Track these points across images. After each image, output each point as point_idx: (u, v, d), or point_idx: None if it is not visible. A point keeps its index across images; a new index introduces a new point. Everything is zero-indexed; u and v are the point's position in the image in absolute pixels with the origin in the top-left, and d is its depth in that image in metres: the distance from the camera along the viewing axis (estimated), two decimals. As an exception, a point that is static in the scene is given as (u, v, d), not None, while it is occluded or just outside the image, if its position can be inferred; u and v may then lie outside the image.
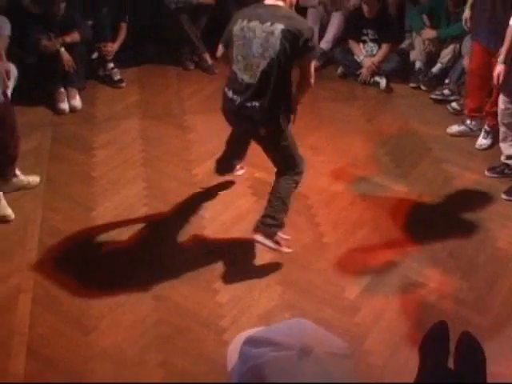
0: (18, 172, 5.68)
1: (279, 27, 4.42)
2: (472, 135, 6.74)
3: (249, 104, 4.62)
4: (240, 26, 4.57)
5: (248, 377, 1.55)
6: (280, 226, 4.85)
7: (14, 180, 5.65)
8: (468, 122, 6.78)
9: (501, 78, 5.64)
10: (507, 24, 5.51)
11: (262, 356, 1.53)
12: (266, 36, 4.46)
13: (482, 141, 6.57)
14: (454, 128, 6.85)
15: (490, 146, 6.54)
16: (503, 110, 5.80)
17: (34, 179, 5.79)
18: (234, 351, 1.70)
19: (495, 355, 3.86)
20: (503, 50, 5.59)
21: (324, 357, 1.52)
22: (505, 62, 5.59)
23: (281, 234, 4.85)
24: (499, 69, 5.64)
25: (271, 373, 1.51)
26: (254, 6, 4.68)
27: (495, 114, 6.28)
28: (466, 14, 6.47)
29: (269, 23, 4.45)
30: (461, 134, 6.81)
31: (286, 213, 4.89)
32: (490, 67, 6.07)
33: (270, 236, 4.81)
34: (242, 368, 1.57)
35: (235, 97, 4.69)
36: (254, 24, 4.51)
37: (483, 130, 6.59)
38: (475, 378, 3.54)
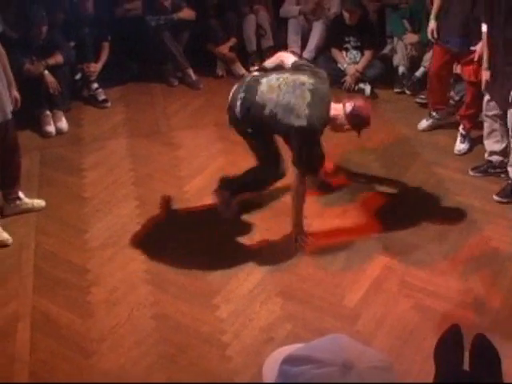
0: (21, 195, 5.66)
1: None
2: (442, 124, 6.95)
3: None
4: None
5: None
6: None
7: (18, 203, 5.65)
8: (434, 113, 6.93)
9: (487, 83, 5.74)
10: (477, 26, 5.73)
11: (303, 374, 1.51)
12: None
13: (460, 146, 6.59)
14: (423, 123, 6.98)
15: (469, 150, 6.56)
16: (487, 102, 5.86)
17: (39, 203, 5.77)
18: (269, 370, 1.68)
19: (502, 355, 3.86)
20: (485, 58, 5.67)
21: (366, 371, 1.51)
22: (489, 68, 5.66)
23: None
24: (486, 76, 5.72)
25: None
26: None
27: (470, 118, 6.43)
28: (432, 25, 6.47)
29: None
30: (430, 128, 6.95)
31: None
32: (451, 68, 6.63)
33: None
34: None
35: None
36: None
37: (459, 135, 6.62)
38: (492, 380, 3.54)
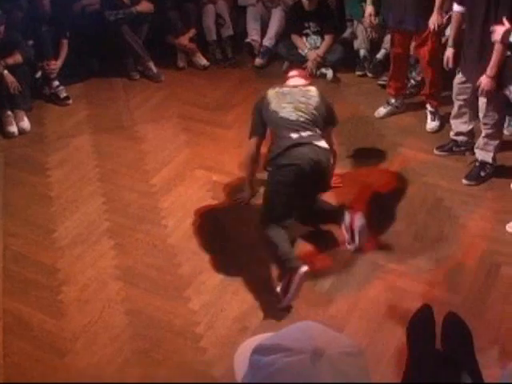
0: None
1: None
2: (399, 112, 6.97)
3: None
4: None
5: None
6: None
7: None
8: (393, 101, 6.94)
9: (450, 61, 5.80)
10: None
11: (274, 363, 1.51)
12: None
13: (432, 124, 6.64)
14: (381, 111, 6.98)
15: (441, 127, 6.61)
16: (459, 85, 5.85)
17: None
18: (241, 361, 1.68)
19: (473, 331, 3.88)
20: (451, 35, 5.77)
21: (337, 357, 1.51)
22: (454, 46, 5.73)
23: None
24: (449, 53, 5.80)
25: (286, 379, 1.49)
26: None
27: (434, 95, 6.50)
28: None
29: None
30: (388, 115, 6.96)
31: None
32: (409, 51, 6.65)
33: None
34: (256, 377, 1.55)
35: None
36: None
37: (428, 113, 6.67)
38: (464, 356, 3.58)
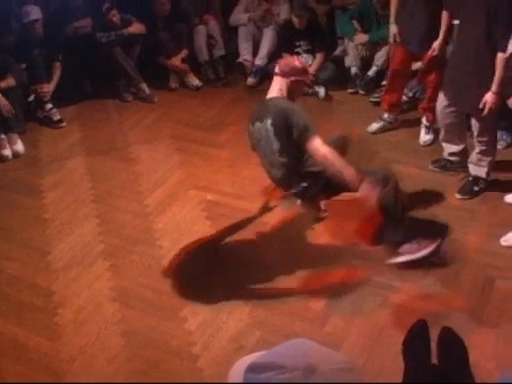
0: None
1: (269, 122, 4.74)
2: (391, 128, 6.99)
3: None
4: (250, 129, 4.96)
5: None
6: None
7: None
8: (385, 116, 6.96)
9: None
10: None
11: (268, 381, 1.52)
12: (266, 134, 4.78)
13: (426, 137, 6.67)
14: (374, 126, 7.00)
15: (433, 141, 6.63)
16: (443, 110, 5.83)
17: None
18: (235, 379, 1.68)
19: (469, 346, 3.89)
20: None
21: (329, 373, 1.52)
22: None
23: None
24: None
25: None
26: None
27: (432, 110, 6.38)
28: (394, 29, 6.48)
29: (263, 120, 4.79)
30: (381, 130, 6.98)
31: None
32: (409, 67, 6.69)
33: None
34: None
35: None
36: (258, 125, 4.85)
37: (423, 127, 6.71)
38: (460, 371, 3.58)
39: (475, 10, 5.23)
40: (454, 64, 5.63)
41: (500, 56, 5.13)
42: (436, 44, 5.98)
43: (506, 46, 5.09)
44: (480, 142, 5.68)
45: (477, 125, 5.60)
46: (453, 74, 5.63)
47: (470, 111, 5.64)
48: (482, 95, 5.29)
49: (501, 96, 5.30)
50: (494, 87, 5.24)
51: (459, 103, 5.63)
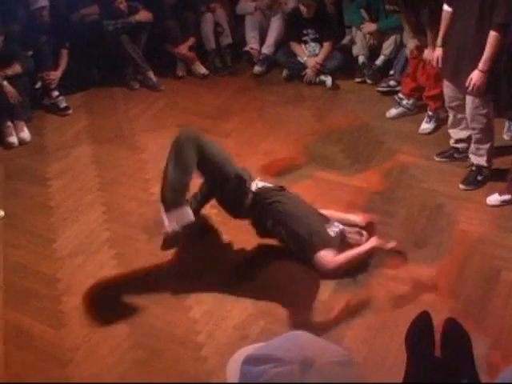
0: None
1: None
2: (411, 114, 6.97)
3: None
4: None
5: None
6: None
7: None
8: (404, 102, 6.95)
9: (440, 60, 5.66)
10: None
11: (264, 374, 1.51)
12: None
13: (425, 125, 6.68)
14: (393, 112, 7.00)
15: (434, 130, 6.64)
16: (449, 92, 5.79)
17: None
18: (232, 371, 1.68)
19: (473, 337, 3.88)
20: (440, 34, 5.61)
21: (326, 366, 1.51)
22: (442, 45, 5.61)
23: None
24: (438, 52, 5.67)
25: None
26: None
27: (435, 98, 6.42)
28: (439, 52, 5.75)
29: None
30: (400, 116, 6.98)
31: None
32: None
33: None
34: None
35: None
36: None
37: (426, 115, 6.69)
38: (463, 363, 3.56)
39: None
40: (452, 43, 5.52)
41: (492, 34, 5.06)
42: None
43: (501, 25, 5.04)
44: (473, 129, 5.67)
45: (470, 110, 5.57)
46: (450, 53, 5.54)
47: (465, 93, 5.57)
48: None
49: (486, 76, 5.20)
50: (480, 65, 5.18)
51: (457, 84, 5.60)
